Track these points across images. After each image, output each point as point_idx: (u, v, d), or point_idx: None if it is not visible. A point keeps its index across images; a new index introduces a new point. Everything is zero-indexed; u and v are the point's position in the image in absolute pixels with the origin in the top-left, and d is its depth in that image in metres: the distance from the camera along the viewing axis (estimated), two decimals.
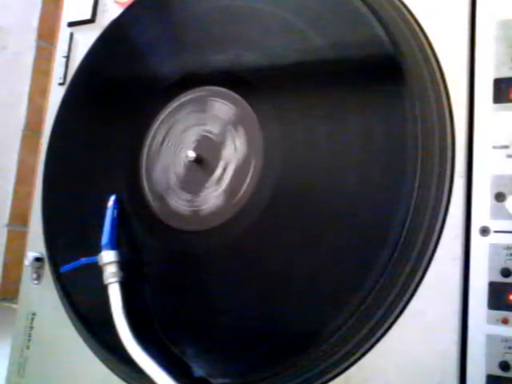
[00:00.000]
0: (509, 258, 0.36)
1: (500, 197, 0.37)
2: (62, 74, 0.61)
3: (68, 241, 0.54)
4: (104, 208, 0.50)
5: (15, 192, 1.38)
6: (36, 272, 0.57)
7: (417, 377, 0.37)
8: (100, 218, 0.49)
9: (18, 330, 0.57)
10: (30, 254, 0.57)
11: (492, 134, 0.38)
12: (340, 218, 0.40)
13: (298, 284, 0.41)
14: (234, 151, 0.46)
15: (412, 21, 0.42)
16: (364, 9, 0.43)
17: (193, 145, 0.49)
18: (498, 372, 0.35)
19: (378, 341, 0.38)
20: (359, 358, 0.39)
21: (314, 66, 0.44)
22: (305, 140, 0.43)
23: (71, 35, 0.62)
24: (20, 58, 1.43)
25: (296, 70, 0.45)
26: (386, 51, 0.41)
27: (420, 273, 0.38)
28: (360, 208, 0.40)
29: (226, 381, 0.42)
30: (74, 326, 0.53)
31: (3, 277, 1.34)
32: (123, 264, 0.47)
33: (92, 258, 0.48)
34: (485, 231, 0.37)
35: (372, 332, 0.38)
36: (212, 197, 0.46)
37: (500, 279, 0.36)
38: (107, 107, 0.57)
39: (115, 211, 0.50)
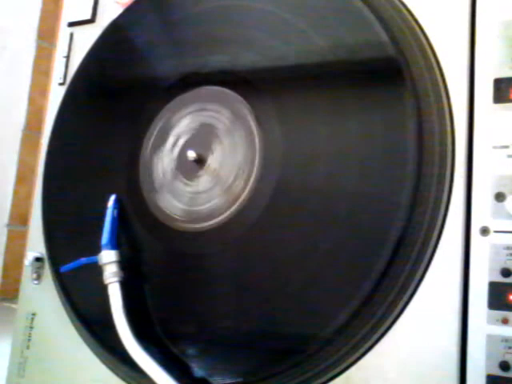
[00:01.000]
0: (509, 258, 0.36)
1: (500, 197, 0.37)
2: (62, 74, 0.61)
3: (68, 241, 0.54)
4: (104, 208, 0.50)
5: (15, 192, 1.38)
6: (36, 272, 0.57)
7: (417, 377, 0.37)
8: (100, 217, 0.49)
9: (17, 330, 0.57)
10: (30, 254, 0.57)
11: (492, 134, 0.38)
12: (340, 217, 0.40)
13: (298, 284, 0.41)
14: (234, 151, 0.46)
15: (412, 21, 0.42)
16: (364, 9, 0.43)
17: (193, 145, 0.49)
18: (498, 372, 0.35)
19: (378, 341, 0.38)
20: (359, 358, 0.39)
21: (314, 66, 0.44)
22: (305, 140, 0.43)
23: (71, 35, 0.62)
24: (20, 58, 1.43)
25: (296, 70, 0.45)
26: (387, 51, 0.41)
27: (420, 273, 0.38)
28: (360, 208, 0.40)
29: (226, 381, 0.42)
30: (74, 326, 0.53)
31: (3, 277, 1.34)
32: (123, 264, 0.47)
33: (92, 257, 0.48)
34: (485, 231, 0.37)
35: (372, 332, 0.38)
36: (212, 197, 0.46)
37: (500, 279, 0.36)
38: (107, 107, 0.57)
39: (115, 211, 0.50)
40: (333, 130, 0.42)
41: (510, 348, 0.35)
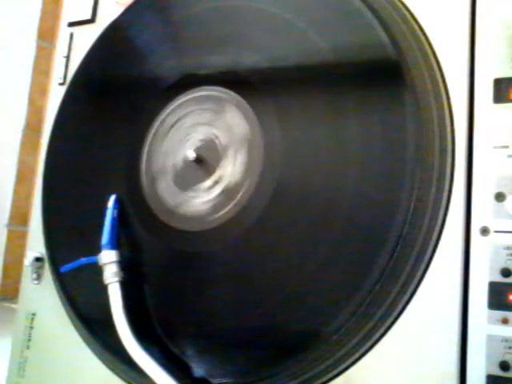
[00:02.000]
0: (509, 258, 0.36)
1: (500, 197, 0.37)
2: (62, 74, 0.61)
3: (68, 241, 0.54)
4: (104, 208, 0.50)
5: (15, 192, 1.39)
6: (36, 272, 0.57)
7: (417, 377, 0.37)
8: (100, 217, 0.49)
9: (17, 329, 0.57)
10: (30, 254, 0.57)
11: (492, 134, 0.38)
12: (340, 217, 0.40)
13: (298, 284, 0.41)
14: (233, 151, 0.46)
15: (412, 21, 0.42)
16: (364, 9, 0.43)
17: (193, 145, 0.49)
18: (498, 372, 0.35)
19: (378, 341, 0.38)
20: (359, 358, 0.39)
21: (314, 67, 0.44)
22: (305, 140, 0.43)
23: (71, 35, 0.62)
24: (20, 58, 1.43)
25: (296, 70, 0.45)
26: (387, 52, 0.41)
27: (420, 273, 0.38)
28: (360, 208, 0.40)
29: (226, 381, 0.42)
30: (74, 325, 0.53)
31: (3, 277, 1.35)
32: (123, 264, 0.48)
33: (92, 257, 0.48)
34: (485, 231, 0.37)
35: (372, 332, 0.38)
36: (212, 197, 0.46)
37: (500, 279, 0.36)
38: (107, 107, 0.57)
39: (115, 211, 0.50)
40: (333, 130, 0.42)
41: (510, 348, 0.35)
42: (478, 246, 0.37)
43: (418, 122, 0.39)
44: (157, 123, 0.52)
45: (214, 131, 0.48)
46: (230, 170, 0.46)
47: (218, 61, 0.49)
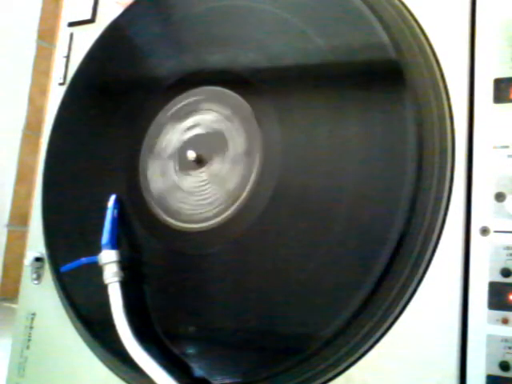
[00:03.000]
0: (509, 258, 0.36)
1: (500, 197, 0.37)
2: (62, 74, 0.61)
3: (68, 240, 0.54)
4: (104, 208, 0.50)
5: (15, 192, 1.39)
6: (36, 272, 0.57)
7: (417, 377, 0.37)
8: (100, 217, 0.49)
9: (17, 330, 0.57)
10: (30, 254, 0.57)
11: (492, 134, 0.38)
12: (340, 218, 0.40)
13: (298, 284, 0.41)
14: (233, 151, 0.46)
15: (412, 21, 0.42)
16: (364, 9, 0.43)
17: (193, 144, 0.49)
18: (498, 372, 0.35)
19: (378, 341, 0.38)
20: (359, 358, 0.39)
21: (314, 67, 0.44)
22: (305, 140, 0.43)
23: (71, 35, 0.62)
24: (20, 58, 1.43)
25: (296, 70, 0.45)
26: (387, 52, 0.41)
27: (420, 273, 0.38)
28: (360, 208, 0.40)
29: (226, 381, 0.42)
30: (74, 325, 0.53)
31: (3, 277, 1.35)
32: (123, 264, 0.48)
33: (92, 257, 0.48)
34: (485, 231, 0.37)
35: (372, 332, 0.38)
36: (212, 197, 0.46)
37: (500, 279, 0.36)
38: (107, 107, 0.57)
39: (115, 211, 0.50)
40: (333, 130, 0.42)
41: (510, 348, 0.35)
42: (478, 246, 0.37)
43: (417, 122, 0.39)
44: (157, 122, 0.52)
45: (214, 131, 0.48)
46: (230, 170, 0.46)
47: (218, 60, 0.49)
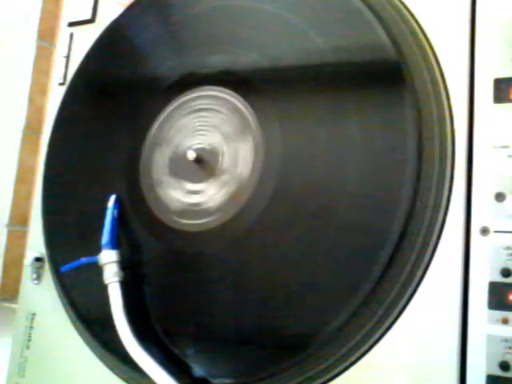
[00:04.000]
0: (509, 258, 0.36)
1: (500, 197, 0.37)
2: (62, 74, 0.61)
3: (68, 240, 0.54)
4: (104, 208, 0.50)
5: (15, 192, 1.38)
6: (36, 272, 0.57)
7: (417, 377, 0.37)
8: (100, 217, 0.49)
9: (17, 330, 0.57)
10: (30, 254, 0.57)
11: (492, 134, 0.38)
12: (340, 218, 0.40)
13: (298, 284, 0.41)
14: (233, 151, 0.46)
15: (412, 21, 0.42)
16: (364, 9, 0.43)
17: (193, 144, 0.49)
18: (498, 372, 0.35)
19: (378, 341, 0.38)
20: (359, 358, 0.39)
21: (314, 67, 0.44)
22: (305, 140, 0.43)
23: (71, 35, 0.62)
24: (20, 58, 1.43)
25: (296, 70, 0.45)
26: (387, 52, 0.41)
27: (420, 273, 0.38)
28: (360, 208, 0.40)
29: (226, 381, 0.42)
30: (74, 325, 0.53)
31: (3, 277, 1.34)
32: (123, 264, 0.48)
33: (92, 257, 0.48)
34: (485, 231, 0.37)
35: (372, 332, 0.38)
36: (212, 197, 0.46)
37: (500, 279, 0.36)
38: (107, 107, 0.57)
39: (115, 211, 0.50)
40: (333, 130, 0.42)
41: (510, 348, 0.35)
42: (477, 246, 0.37)
43: (417, 122, 0.39)
44: (157, 122, 0.52)
45: (214, 131, 0.48)
46: (230, 170, 0.46)
47: (218, 61, 0.49)
